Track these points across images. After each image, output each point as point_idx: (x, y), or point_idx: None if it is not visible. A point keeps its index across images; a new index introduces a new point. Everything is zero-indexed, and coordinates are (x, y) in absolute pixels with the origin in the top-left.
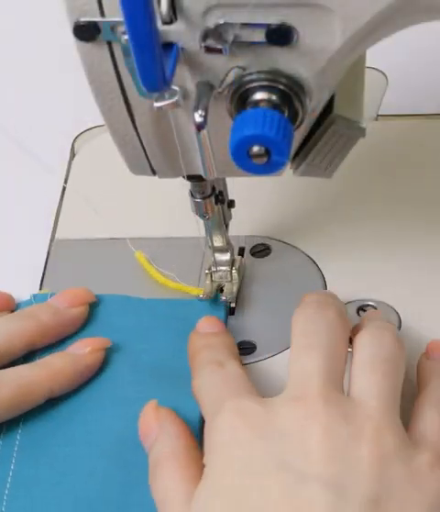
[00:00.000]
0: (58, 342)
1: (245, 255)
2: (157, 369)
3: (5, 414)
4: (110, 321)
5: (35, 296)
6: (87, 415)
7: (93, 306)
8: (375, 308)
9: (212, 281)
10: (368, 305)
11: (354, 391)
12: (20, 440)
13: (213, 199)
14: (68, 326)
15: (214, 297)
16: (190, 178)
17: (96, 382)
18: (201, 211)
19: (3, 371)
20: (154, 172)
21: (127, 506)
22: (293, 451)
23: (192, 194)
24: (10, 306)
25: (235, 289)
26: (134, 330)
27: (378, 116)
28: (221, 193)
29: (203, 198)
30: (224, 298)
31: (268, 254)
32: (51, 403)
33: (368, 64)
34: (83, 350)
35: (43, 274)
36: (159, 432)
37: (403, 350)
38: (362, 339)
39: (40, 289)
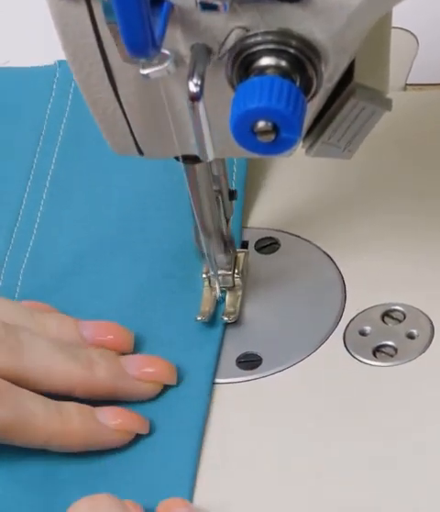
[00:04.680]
0: None
1: (248, 250)
2: None
3: None
4: None
5: (60, 63)
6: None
7: None
8: (403, 313)
9: (210, 286)
10: (395, 309)
11: None
12: None
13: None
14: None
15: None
16: (183, 159)
17: None
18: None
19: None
20: (141, 152)
21: None
22: None
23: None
24: None
25: (238, 305)
26: None
27: (406, 85)
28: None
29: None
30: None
31: (276, 250)
32: None
33: (394, 24)
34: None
35: None
36: None
37: None
38: None
39: None
